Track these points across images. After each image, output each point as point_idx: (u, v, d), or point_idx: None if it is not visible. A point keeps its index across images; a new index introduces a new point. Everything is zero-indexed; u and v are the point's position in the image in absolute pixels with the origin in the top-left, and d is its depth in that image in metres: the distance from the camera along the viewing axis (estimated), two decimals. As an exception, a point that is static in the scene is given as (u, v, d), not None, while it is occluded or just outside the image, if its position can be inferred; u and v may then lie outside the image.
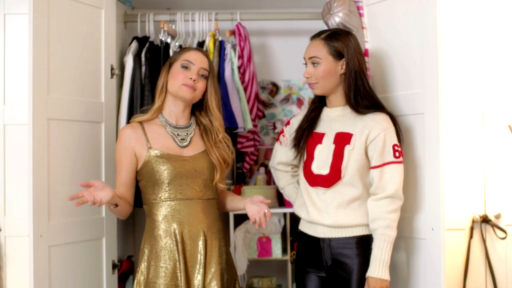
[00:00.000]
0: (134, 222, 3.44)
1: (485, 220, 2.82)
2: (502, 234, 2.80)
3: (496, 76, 2.87)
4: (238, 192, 3.18)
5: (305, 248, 2.37)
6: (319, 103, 2.40)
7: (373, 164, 2.25)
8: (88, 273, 2.60)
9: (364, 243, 2.26)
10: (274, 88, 3.62)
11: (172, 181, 2.24)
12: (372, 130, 2.23)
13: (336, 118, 2.33)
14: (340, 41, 2.28)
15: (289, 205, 3.14)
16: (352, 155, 2.24)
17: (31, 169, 2.31)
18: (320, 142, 2.31)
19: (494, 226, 2.81)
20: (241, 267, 3.06)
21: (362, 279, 2.23)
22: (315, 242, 2.32)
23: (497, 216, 2.84)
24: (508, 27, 2.87)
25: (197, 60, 2.29)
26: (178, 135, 2.32)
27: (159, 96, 2.33)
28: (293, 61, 3.57)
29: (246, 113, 3.09)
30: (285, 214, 3.19)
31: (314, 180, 2.30)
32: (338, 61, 2.28)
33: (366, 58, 2.66)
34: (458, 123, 2.83)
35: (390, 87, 2.57)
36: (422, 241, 2.38)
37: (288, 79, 3.61)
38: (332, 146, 2.28)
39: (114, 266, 2.73)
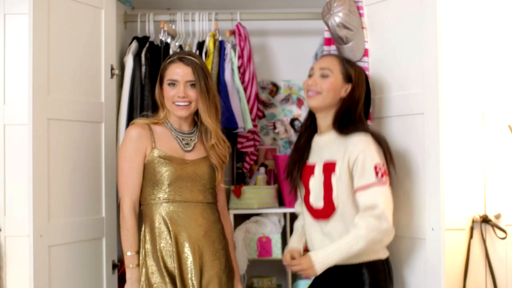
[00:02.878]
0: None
1: (485, 220, 2.82)
2: (502, 234, 2.80)
3: (496, 76, 2.87)
4: (238, 192, 3.18)
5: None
6: (308, 126, 2.37)
7: (355, 187, 2.16)
8: (88, 273, 2.60)
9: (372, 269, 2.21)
10: (274, 88, 3.62)
11: (172, 183, 2.24)
12: (351, 153, 2.17)
13: (324, 145, 2.29)
14: (354, 68, 2.31)
15: (289, 205, 3.14)
16: (339, 183, 2.19)
17: (31, 169, 2.31)
18: (313, 174, 2.28)
19: (494, 226, 2.81)
20: (241, 267, 3.06)
21: None
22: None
23: (497, 216, 2.84)
24: (508, 27, 2.87)
25: (179, 75, 2.26)
26: (182, 139, 2.33)
27: (161, 108, 2.35)
28: (293, 61, 3.57)
29: (246, 113, 3.08)
30: (285, 214, 3.19)
31: (315, 214, 2.27)
32: (345, 83, 2.27)
33: (365, 58, 2.67)
34: (458, 123, 2.83)
35: (390, 87, 2.56)
36: (422, 241, 2.38)
37: (288, 79, 3.60)
38: (322, 177, 2.23)
39: (114, 266, 2.73)
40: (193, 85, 2.28)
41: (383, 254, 2.25)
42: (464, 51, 2.85)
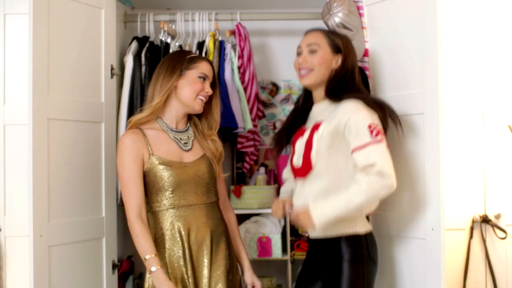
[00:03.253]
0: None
1: (485, 220, 2.82)
2: (502, 234, 2.80)
3: (496, 76, 2.87)
4: (238, 192, 3.18)
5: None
6: (305, 102, 2.37)
7: (352, 147, 2.13)
8: (88, 273, 2.60)
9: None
10: (274, 88, 3.62)
11: (176, 188, 2.23)
12: (342, 117, 2.15)
13: (317, 113, 2.29)
14: (340, 38, 2.29)
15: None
16: (319, 142, 2.18)
17: (31, 169, 2.31)
18: (302, 135, 2.29)
19: (494, 226, 2.81)
20: (241, 267, 3.06)
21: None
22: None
23: (497, 216, 2.84)
24: (508, 27, 2.87)
25: (210, 73, 2.33)
26: (180, 139, 2.32)
27: (161, 95, 2.26)
28: (293, 61, 3.56)
29: (246, 113, 3.09)
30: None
31: (295, 172, 2.29)
32: (335, 54, 2.26)
33: (366, 58, 2.67)
34: (458, 123, 2.83)
35: (390, 87, 2.57)
36: (422, 241, 2.38)
37: (288, 79, 3.60)
38: (307, 137, 2.24)
39: (114, 266, 2.73)
40: (211, 85, 2.35)
41: (361, 228, 2.20)
42: (464, 51, 2.85)
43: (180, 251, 2.21)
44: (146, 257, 2.14)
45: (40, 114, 2.36)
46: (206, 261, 2.23)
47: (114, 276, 2.74)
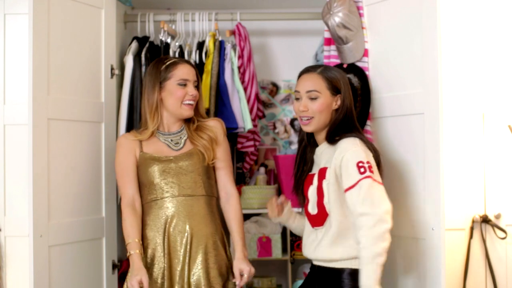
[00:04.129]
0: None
1: (485, 220, 2.81)
2: (502, 234, 2.80)
3: (496, 76, 2.86)
4: (239, 192, 3.18)
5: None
6: (307, 142, 2.33)
7: (344, 189, 2.10)
8: (88, 273, 2.60)
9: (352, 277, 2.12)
10: (274, 88, 3.63)
11: (160, 181, 2.29)
12: (336, 157, 2.13)
13: (320, 155, 2.25)
14: (336, 76, 2.22)
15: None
16: (329, 189, 2.15)
17: (31, 169, 2.31)
18: (312, 183, 2.24)
19: (494, 226, 2.80)
20: (241, 267, 3.06)
21: None
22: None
23: (497, 216, 2.84)
24: (508, 27, 2.87)
25: (190, 75, 2.34)
26: (171, 140, 2.37)
27: (154, 117, 2.33)
28: (293, 61, 3.57)
29: (246, 113, 3.09)
30: (285, 214, 3.19)
31: (312, 221, 2.24)
32: (334, 96, 2.21)
33: (365, 58, 2.67)
34: (458, 123, 2.83)
35: (390, 87, 2.56)
36: (422, 241, 2.38)
37: (288, 79, 3.61)
38: (316, 184, 2.21)
39: (114, 266, 2.73)
40: (196, 86, 2.36)
41: None
42: (464, 51, 2.85)
43: (161, 241, 2.26)
44: (129, 241, 2.21)
45: (40, 114, 2.36)
46: (184, 255, 2.26)
47: (114, 276, 2.74)
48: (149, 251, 2.28)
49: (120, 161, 2.34)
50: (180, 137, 2.37)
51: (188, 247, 2.26)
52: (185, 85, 2.31)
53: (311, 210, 2.23)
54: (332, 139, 2.18)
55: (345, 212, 2.13)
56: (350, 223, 2.12)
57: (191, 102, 2.32)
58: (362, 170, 2.07)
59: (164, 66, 2.33)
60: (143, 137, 2.35)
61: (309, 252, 2.23)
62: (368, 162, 2.09)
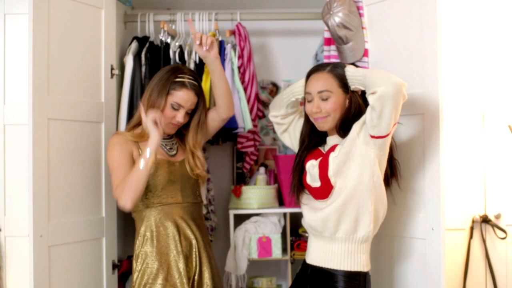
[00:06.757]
0: (134, 222, 3.43)
1: (485, 220, 2.82)
2: (502, 234, 2.81)
3: (496, 76, 2.87)
4: (238, 192, 3.18)
5: None
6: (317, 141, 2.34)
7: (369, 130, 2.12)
8: (88, 273, 2.60)
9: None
10: (274, 88, 3.62)
11: (165, 187, 2.33)
12: (352, 132, 2.15)
13: (329, 143, 2.28)
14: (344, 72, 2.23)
15: (289, 205, 3.14)
16: (334, 161, 2.15)
17: (31, 169, 2.31)
18: (315, 157, 2.26)
19: (494, 226, 2.81)
20: (241, 267, 3.06)
21: None
22: None
23: (497, 216, 2.84)
24: (508, 27, 2.87)
25: (187, 103, 2.36)
26: (166, 145, 2.43)
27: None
28: (293, 61, 3.57)
29: (246, 113, 3.08)
30: (285, 214, 3.19)
31: (314, 193, 2.25)
32: (346, 94, 2.20)
33: (365, 58, 2.67)
34: (458, 123, 2.83)
35: (390, 87, 2.56)
36: (422, 241, 2.38)
37: (288, 79, 3.60)
38: (320, 158, 2.22)
39: (114, 266, 2.73)
40: (187, 113, 2.39)
41: (365, 267, 2.18)
42: (464, 51, 2.85)
43: (174, 245, 2.33)
44: (146, 156, 2.19)
45: (40, 114, 2.36)
46: (195, 257, 2.37)
47: (114, 276, 2.74)
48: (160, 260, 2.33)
49: (116, 156, 2.31)
50: (173, 143, 2.46)
51: (197, 250, 2.37)
52: (177, 109, 2.35)
53: (311, 182, 2.25)
54: (344, 131, 2.20)
55: (350, 184, 2.13)
56: (358, 194, 2.13)
57: (175, 124, 2.37)
58: None
59: (175, 79, 2.35)
60: (140, 139, 2.37)
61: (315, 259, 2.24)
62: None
